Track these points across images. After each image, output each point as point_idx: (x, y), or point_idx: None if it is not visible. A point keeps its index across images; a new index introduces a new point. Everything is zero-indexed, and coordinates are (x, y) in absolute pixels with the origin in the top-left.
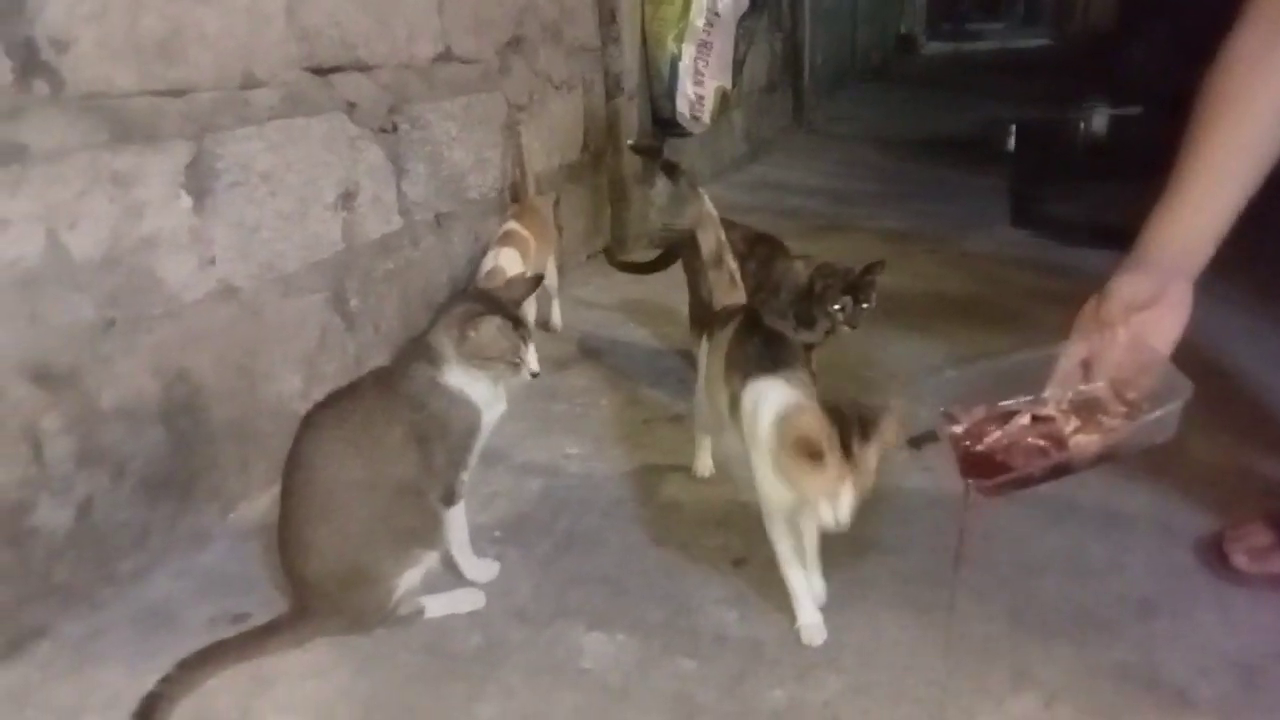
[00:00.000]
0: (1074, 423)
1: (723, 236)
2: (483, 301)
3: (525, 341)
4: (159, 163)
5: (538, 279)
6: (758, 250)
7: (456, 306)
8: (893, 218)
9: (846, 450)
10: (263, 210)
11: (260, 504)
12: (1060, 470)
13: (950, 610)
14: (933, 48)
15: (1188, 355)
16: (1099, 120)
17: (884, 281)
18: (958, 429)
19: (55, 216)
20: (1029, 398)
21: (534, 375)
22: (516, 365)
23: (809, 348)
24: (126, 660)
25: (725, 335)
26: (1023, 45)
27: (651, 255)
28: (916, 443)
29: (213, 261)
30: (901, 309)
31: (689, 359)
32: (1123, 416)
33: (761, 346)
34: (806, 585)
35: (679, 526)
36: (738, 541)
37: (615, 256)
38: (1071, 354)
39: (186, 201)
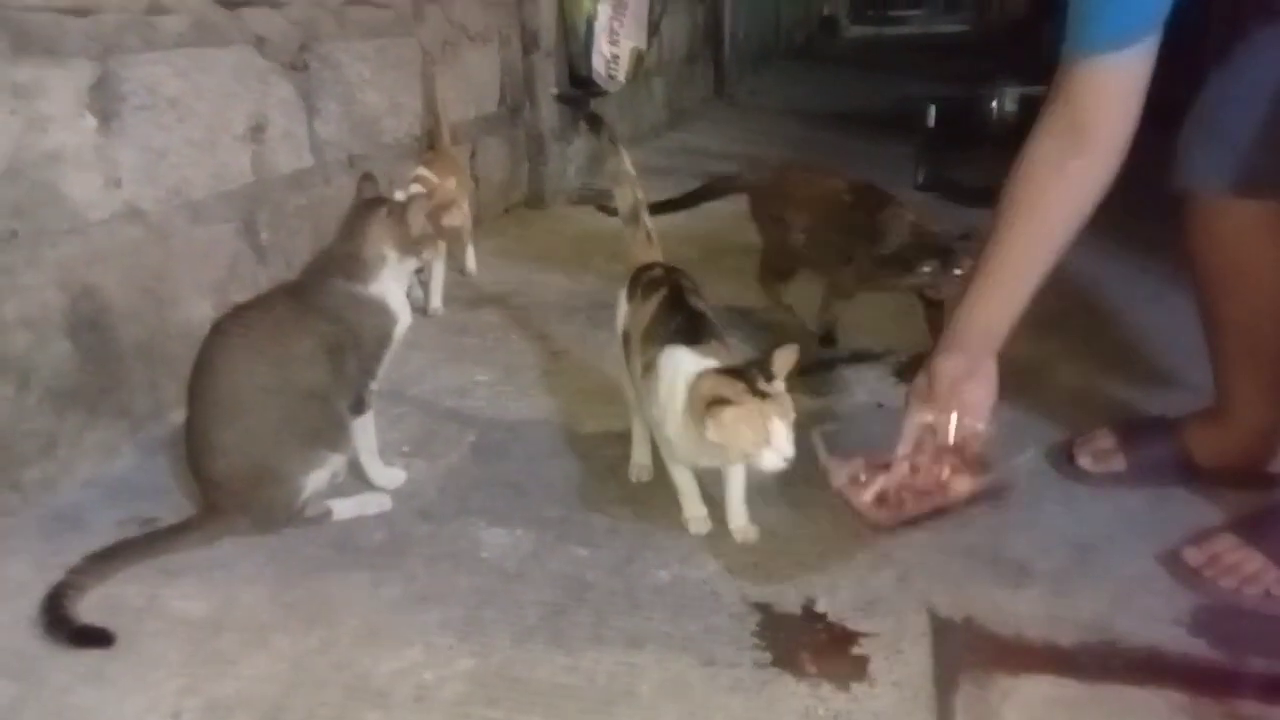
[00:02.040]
0: (947, 470)
1: (640, 195)
2: (384, 200)
3: (447, 213)
4: (62, 78)
5: (367, 177)
6: (866, 198)
7: (373, 210)
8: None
9: (756, 392)
10: (170, 136)
11: (169, 423)
12: (940, 511)
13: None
14: (856, 31)
15: (1066, 294)
16: (1010, 98)
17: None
18: (846, 476)
19: None
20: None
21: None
22: (435, 241)
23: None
24: (34, 558)
25: (648, 307)
26: (943, 30)
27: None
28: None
29: (119, 183)
30: None
31: (601, 304)
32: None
33: (683, 322)
34: (693, 483)
35: (581, 441)
36: None
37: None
38: (913, 422)
39: (91, 121)
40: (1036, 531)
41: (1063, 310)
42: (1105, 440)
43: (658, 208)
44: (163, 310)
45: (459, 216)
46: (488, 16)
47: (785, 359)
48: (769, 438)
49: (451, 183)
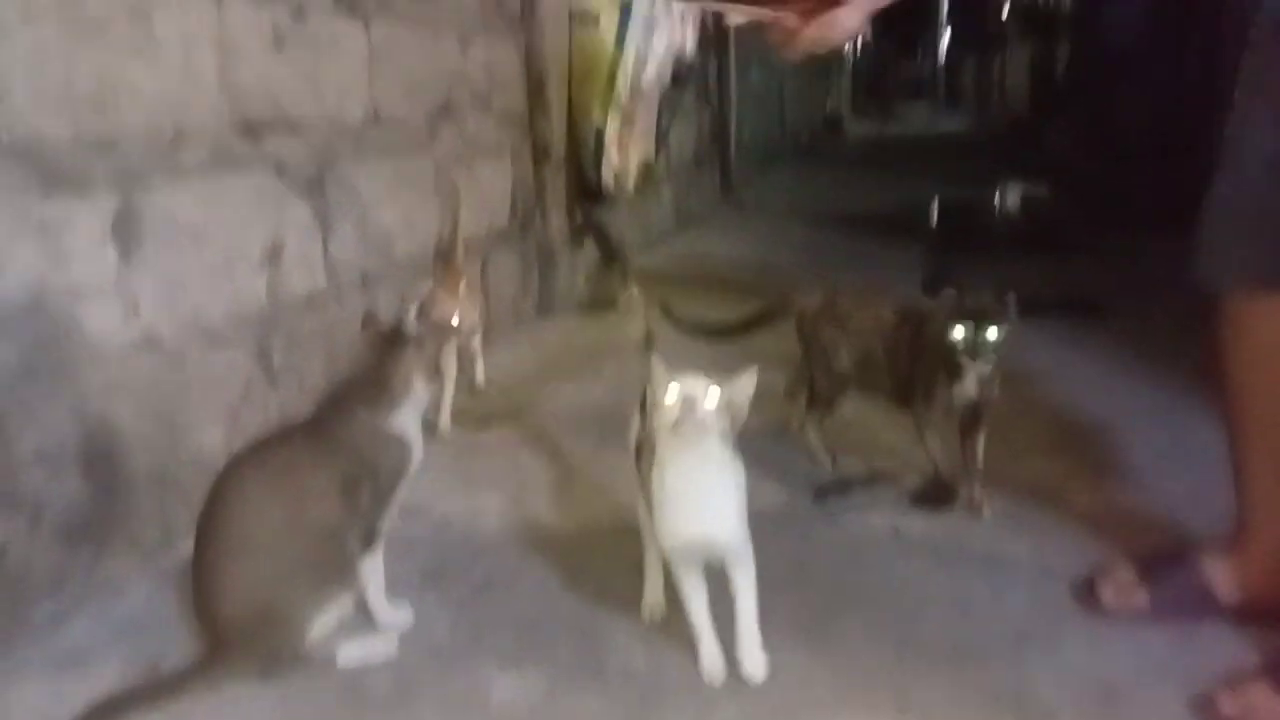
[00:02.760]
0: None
1: (651, 328)
2: (394, 331)
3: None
4: (86, 212)
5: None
6: (909, 320)
7: (398, 343)
8: (814, 287)
9: None
10: (189, 263)
11: (179, 553)
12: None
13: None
14: (859, 127)
15: (1076, 408)
16: (1013, 197)
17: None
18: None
19: None
20: None
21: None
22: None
23: (974, 419)
24: (38, 705)
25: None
26: (944, 128)
27: (710, 321)
28: (821, 495)
29: (137, 312)
30: None
31: (612, 416)
32: None
33: None
34: (709, 624)
35: (593, 573)
36: None
37: (673, 314)
38: None
39: (113, 252)
40: (1061, 672)
41: (1073, 426)
42: (1126, 573)
43: (709, 334)
44: (175, 437)
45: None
46: (500, 132)
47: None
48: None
49: (462, 300)
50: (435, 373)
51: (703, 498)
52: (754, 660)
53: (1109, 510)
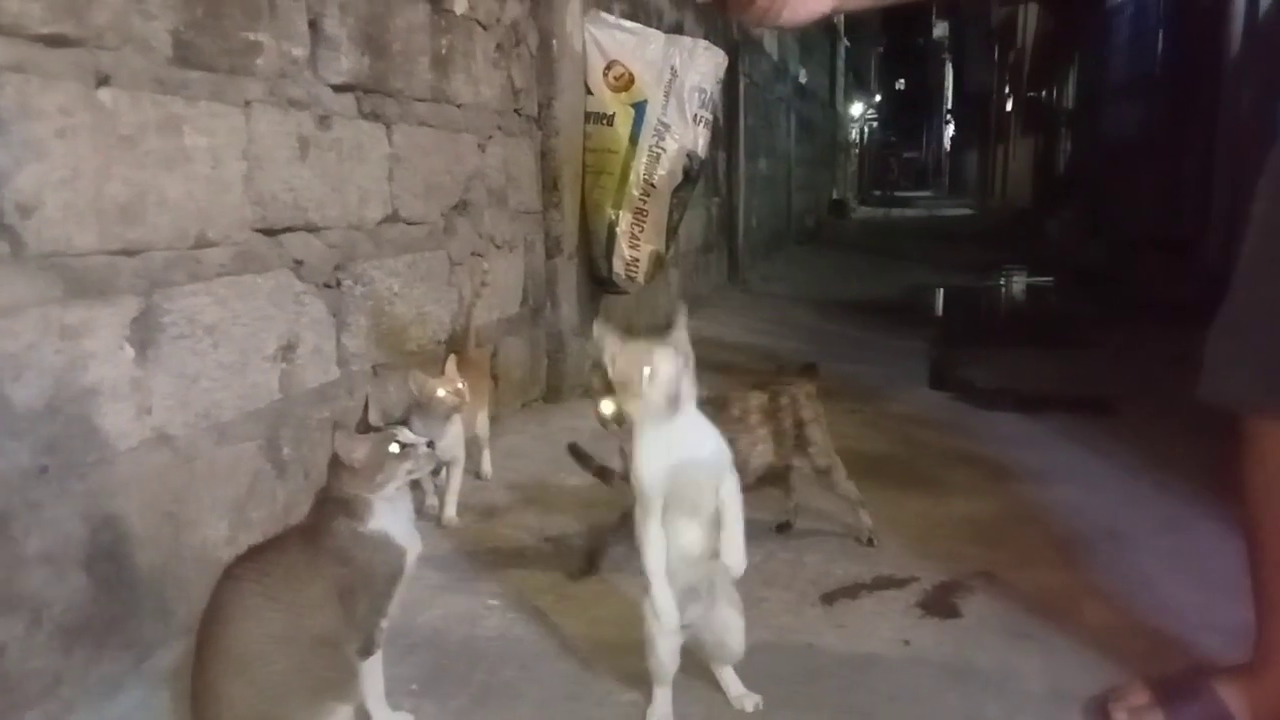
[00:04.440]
0: None
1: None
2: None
3: (393, 432)
4: (107, 316)
5: (365, 405)
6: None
7: (333, 455)
8: (821, 377)
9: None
10: (204, 361)
11: (176, 651)
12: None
13: None
14: (864, 212)
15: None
16: (1018, 287)
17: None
18: None
19: (2, 368)
20: None
21: (430, 446)
22: (408, 453)
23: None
24: None
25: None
26: (947, 213)
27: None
28: (830, 599)
29: (150, 410)
30: None
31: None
32: None
33: None
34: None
35: (596, 681)
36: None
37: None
38: None
39: (130, 352)
40: None
41: (1081, 533)
42: (1140, 696)
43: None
44: (180, 533)
45: (479, 423)
46: (514, 226)
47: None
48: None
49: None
50: (368, 476)
51: (679, 431)
52: (735, 558)
53: (1120, 625)
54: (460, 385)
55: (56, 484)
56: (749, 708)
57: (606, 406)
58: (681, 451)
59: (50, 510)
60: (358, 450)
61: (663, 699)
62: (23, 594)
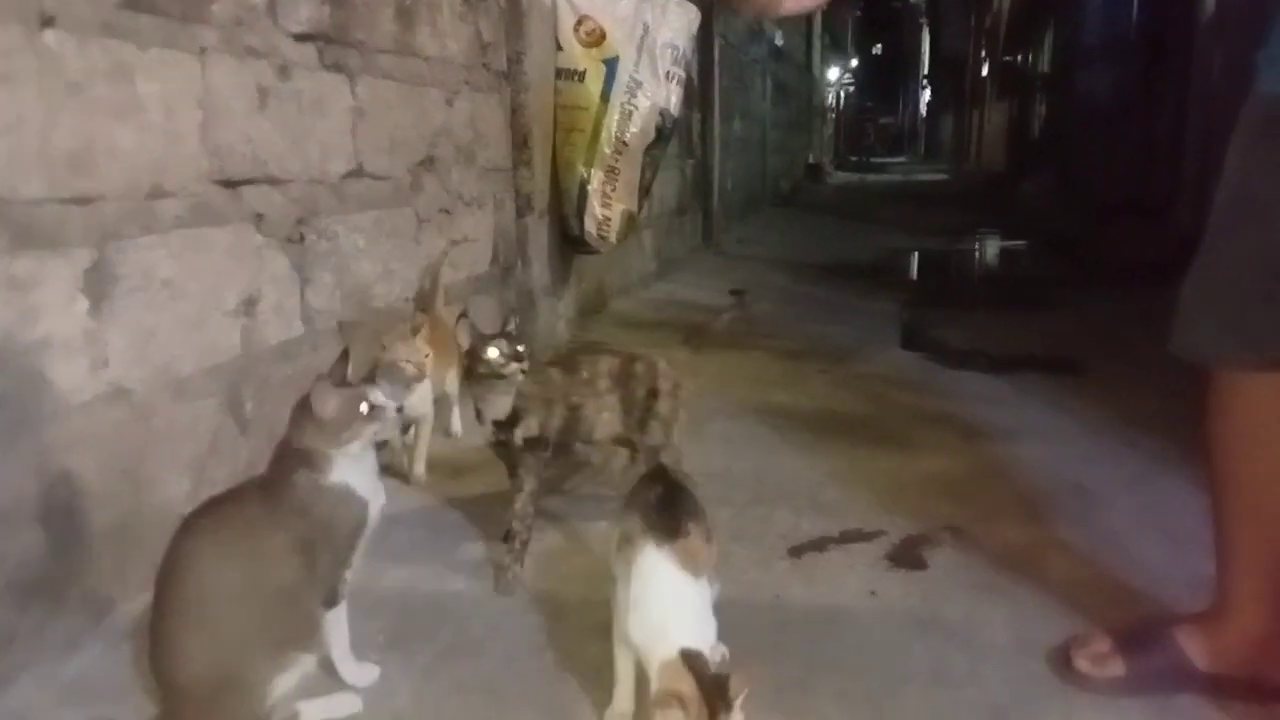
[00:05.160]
0: None
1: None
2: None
3: (366, 391)
4: (58, 268)
5: (344, 354)
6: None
7: (297, 407)
8: (791, 338)
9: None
10: (161, 315)
11: (136, 608)
12: None
13: None
14: (840, 177)
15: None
16: (991, 251)
17: (778, 399)
18: None
19: None
20: None
21: (400, 410)
22: (377, 415)
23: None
24: None
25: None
26: (922, 178)
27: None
28: (798, 553)
29: (106, 364)
30: (792, 426)
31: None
32: None
33: (662, 497)
34: (631, 674)
35: (562, 634)
36: None
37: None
38: None
39: (83, 305)
40: None
41: (1049, 489)
42: (1101, 643)
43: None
44: (139, 491)
45: (449, 381)
46: (483, 183)
47: (743, 682)
48: None
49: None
50: (333, 431)
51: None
52: None
53: (1085, 578)
54: (425, 356)
55: (6, 439)
56: None
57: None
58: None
59: (1, 466)
60: (330, 404)
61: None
62: None
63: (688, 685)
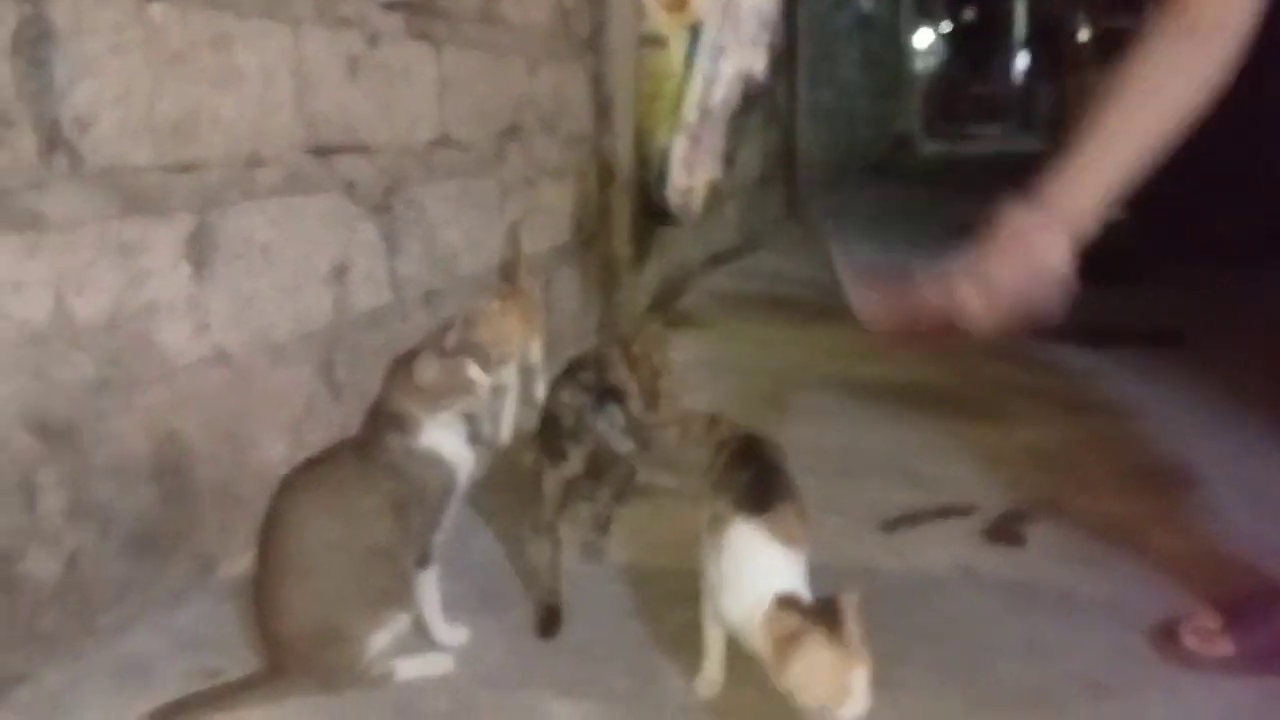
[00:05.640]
0: (978, 301)
1: None
2: (411, 353)
3: (466, 364)
4: (164, 233)
5: (449, 323)
6: None
7: (395, 369)
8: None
9: (835, 638)
10: (259, 281)
11: (240, 566)
12: (951, 335)
13: None
14: (930, 148)
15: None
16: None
17: (866, 372)
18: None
19: (65, 281)
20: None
21: (496, 390)
22: (471, 388)
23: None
24: (102, 710)
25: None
26: (1017, 149)
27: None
28: (890, 527)
29: (207, 329)
30: (881, 398)
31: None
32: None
33: (754, 478)
34: (721, 643)
35: (648, 601)
36: None
37: None
38: (965, 257)
39: (186, 270)
40: None
41: (1153, 464)
42: (1210, 620)
43: None
44: (239, 452)
45: (533, 352)
46: (566, 153)
47: (852, 604)
48: (848, 691)
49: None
50: (432, 398)
51: None
52: None
53: (1191, 553)
54: (517, 334)
55: (120, 397)
56: None
57: None
58: None
59: (115, 422)
60: (431, 371)
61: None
62: (93, 504)
63: (796, 620)
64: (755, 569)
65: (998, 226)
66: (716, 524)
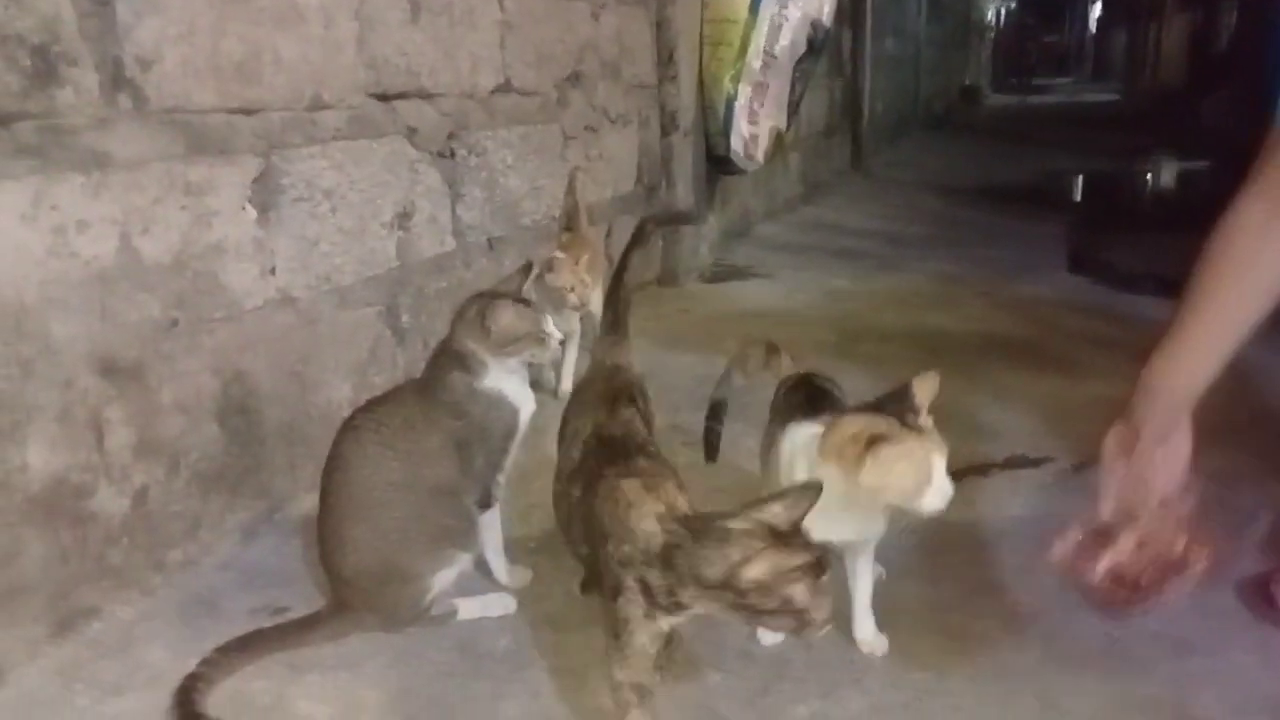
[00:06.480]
0: (1182, 541)
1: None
2: (487, 295)
3: (540, 314)
4: (229, 175)
5: (528, 267)
6: None
7: (468, 309)
8: (946, 261)
9: (910, 426)
10: (324, 225)
11: (305, 505)
12: (1176, 587)
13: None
14: (997, 99)
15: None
16: (1168, 173)
17: (934, 321)
18: (1067, 547)
19: (130, 221)
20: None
21: (561, 343)
22: (542, 339)
23: None
24: (171, 644)
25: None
26: (1090, 100)
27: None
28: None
29: (273, 271)
30: (949, 348)
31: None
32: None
33: (805, 398)
34: (868, 600)
35: None
36: None
37: None
38: (1115, 481)
39: (252, 213)
40: (1228, 686)
41: (1228, 416)
42: None
43: None
44: (305, 393)
45: (593, 300)
46: (629, 100)
47: (927, 387)
48: (930, 476)
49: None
50: (499, 345)
51: None
52: (868, 639)
53: (1273, 502)
54: (585, 284)
55: (187, 337)
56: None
57: None
58: None
59: (182, 362)
60: (505, 316)
61: None
62: (162, 441)
63: (877, 421)
64: (802, 438)
65: (1140, 441)
66: (771, 444)
